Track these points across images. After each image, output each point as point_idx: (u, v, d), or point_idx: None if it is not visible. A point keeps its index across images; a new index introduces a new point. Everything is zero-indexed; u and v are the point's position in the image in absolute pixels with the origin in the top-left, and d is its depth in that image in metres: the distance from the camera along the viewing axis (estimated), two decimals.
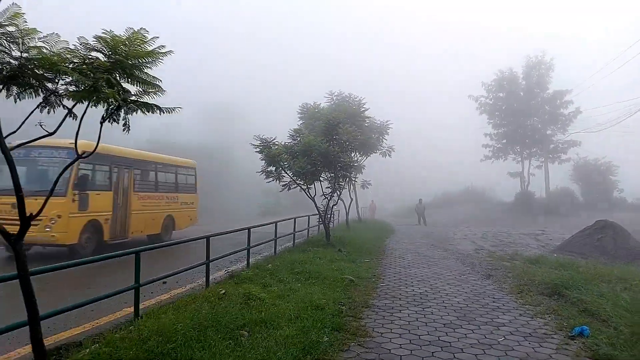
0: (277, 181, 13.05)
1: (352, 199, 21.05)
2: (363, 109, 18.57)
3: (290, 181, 13.00)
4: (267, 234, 11.78)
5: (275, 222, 11.48)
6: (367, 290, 7.58)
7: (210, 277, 8.41)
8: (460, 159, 53.60)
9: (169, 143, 51.20)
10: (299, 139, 12.83)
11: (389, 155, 22.83)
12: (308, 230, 15.36)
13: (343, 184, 13.89)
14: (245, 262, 9.76)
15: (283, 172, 12.71)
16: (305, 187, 13.03)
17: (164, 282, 8.04)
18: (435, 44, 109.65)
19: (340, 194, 13.86)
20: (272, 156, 11.94)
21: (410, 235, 19.27)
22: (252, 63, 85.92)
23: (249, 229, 9.47)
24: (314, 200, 13.19)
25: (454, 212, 36.88)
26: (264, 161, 12.37)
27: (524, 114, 35.54)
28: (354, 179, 21.76)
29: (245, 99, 63.53)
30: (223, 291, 6.64)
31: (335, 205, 13.82)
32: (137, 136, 49.97)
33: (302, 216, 14.51)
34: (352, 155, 15.02)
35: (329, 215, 13.50)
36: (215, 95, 61.18)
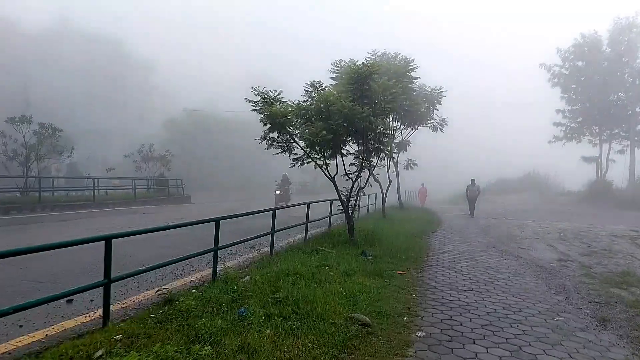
0: (287, 154, 9.69)
1: (390, 181, 17.33)
2: (411, 67, 14.75)
3: (304, 154, 9.57)
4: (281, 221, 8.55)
5: (273, 210, 8.17)
6: (389, 350, 4.13)
7: (138, 299, 5.32)
8: (523, 139, 47.62)
9: (206, 112, 49.30)
10: (316, 96, 9.29)
11: (441, 130, 18.96)
12: (330, 220, 11.96)
13: (376, 160, 10.28)
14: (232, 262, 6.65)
15: (292, 140, 9.29)
16: (323, 162, 9.57)
17: (69, 301, 5.10)
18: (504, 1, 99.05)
19: (370, 174, 10.27)
20: (274, 116, 8.52)
21: (462, 229, 15.38)
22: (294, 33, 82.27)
23: (217, 220, 6.19)
24: (333, 182, 9.73)
25: (514, 201, 32.10)
26: (265, 124, 8.98)
27: (607, 87, 29.61)
28: (393, 156, 18.01)
29: (285, 70, 60.35)
30: (100, 353, 3.44)
31: (362, 188, 10.28)
32: (174, 104, 48.35)
33: (320, 201, 11.10)
34: (391, 122, 11.34)
35: (352, 203, 9.97)
36: (254, 68, 58.50)
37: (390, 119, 14.20)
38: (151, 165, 22.16)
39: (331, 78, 15.03)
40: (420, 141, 19.57)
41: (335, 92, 9.13)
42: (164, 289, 5.13)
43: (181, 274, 6.93)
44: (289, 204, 18.97)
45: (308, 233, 10.67)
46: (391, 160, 18.03)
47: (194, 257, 5.88)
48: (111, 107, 46.42)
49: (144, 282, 6.19)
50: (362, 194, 12.49)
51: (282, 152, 9.66)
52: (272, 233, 8.06)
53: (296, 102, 9.39)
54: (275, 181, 24.34)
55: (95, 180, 17.23)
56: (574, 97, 31.32)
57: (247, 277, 6.19)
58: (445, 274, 7.74)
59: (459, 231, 14.60)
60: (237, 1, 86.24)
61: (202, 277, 6.61)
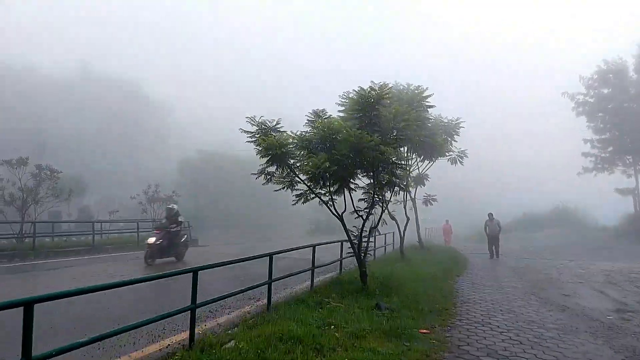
0: (289, 190, 8.58)
1: (408, 218, 15.96)
2: (425, 95, 13.77)
3: (308, 190, 8.45)
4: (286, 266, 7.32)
5: (270, 255, 6.94)
6: None
7: None
8: (549, 171, 45.43)
9: (221, 152, 49.17)
10: (320, 125, 8.26)
11: (461, 163, 17.69)
12: (340, 264, 10.64)
13: (390, 194, 9.07)
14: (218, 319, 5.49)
15: (293, 174, 8.21)
16: (328, 198, 8.42)
17: None
18: (521, 28, 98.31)
19: (383, 211, 9.01)
20: (271, 147, 7.50)
21: (492, 272, 13.79)
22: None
23: (195, 271, 5.04)
24: (341, 220, 8.51)
25: (543, 237, 30.03)
26: (261, 157, 7.96)
27: (638, 114, 27.98)
28: (410, 190, 16.71)
29: (301, 108, 60.62)
30: None
31: (375, 227, 9.01)
32: (190, 144, 48.49)
33: (326, 243, 9.80)
34: (406, 153, 10.17)
35: (364, 244, 8.68)
36: (270, 106, 58.92)
37: (405, 149, 13.08)
38: (157, 207, 21.30)
39: (339, 111, 14.12)
40: (437, 175, 18.27)
41: (340, 120, 8.14)
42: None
43: (159, 336, 5.72)
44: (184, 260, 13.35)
45: (316, 279, 9.43)
46: (408, 195, 16.77)
47: (159, 320, 4.67)
48: (129, 148, 46.85)
49: (113, 347, 5.02)
50: (377, 233, 11.26)
51: (283, 187, 8.57)
52: (269, 283, 6.83)
53: (298, 133, 8.41)
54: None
55: (98, 224, 16.38)
56: (601, 125, 29.67)
57: (232, 343, 4.94)
58: (479, 332, 6.30)
59: (489, 274, 13.02)
60: (256, 41, 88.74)
61: (182, 340, 5.38)
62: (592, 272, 13.59)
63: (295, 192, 8.65)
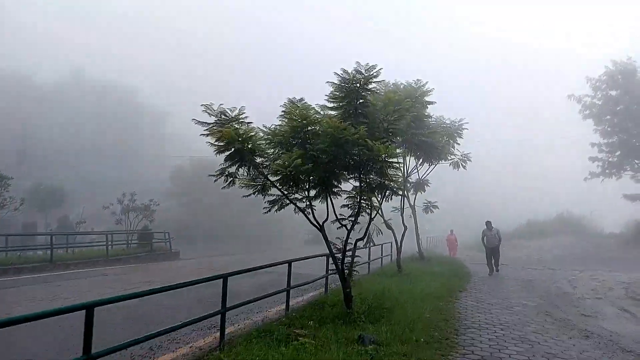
0: (261, 195, 7.21)
1: (406, 227, 14.53)
2: (425, 89, 12.56)
3: (282, 195, 7.07)
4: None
5: (224, 277, 5.54)
6: None
7: None
8: (554, 176, 43.99)
9: (212, 161, 47.79)
10: (296, 117, 6.90)
11: (463, 167, 16.43)
12: (326, 282, 9.25)
13: (381, 199, 7.70)
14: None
15: (260, 175, 6.85)
16: (306, 204, 7.05)
17: None
18: (526, 31, 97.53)
19: (372, 218, 7.60)
20: (230, 141, 6.15)
21: (498, 286, 12.38)
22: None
23: (88, 307, 3.65)
24: (322, 230, 7.15)
25: (549, 245, 28.50)
26: (218, 154, 6.60)
27: None
28: (406, 194, 15.32)
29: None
30: None
31: (362, 239, 7.59)
32: (185, 152, 47.05)
33: (304, 258, 8.43)
34: (399, 150, 8.81)
35: (348, 259, 7.26)
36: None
37: (402, 149, 11.76)
38: (132, 218, 19.65)
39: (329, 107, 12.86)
40: (439, 180, 16.97)
41: (317, 108, 6.84)
42: None
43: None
44: None
45: (299, 298, 8.16)
46: (407, 202, 15.44)
47: None
48: (121, 157, 45.54)
49: None
50: (371, 244, 10.00)
51: (254, 193, 7.20)
52: (223, 313, 5.43)
53: (271, 127, 7.06)
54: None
55: (65, 237, 14.91)
56: (609, 129, 28.26)
57: None
58: None
59: (495, 289, 11.60)
60: (253, 50, 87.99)
61: None
62: (609, 284, 12.16)
63: (268, 198, 7.30)
